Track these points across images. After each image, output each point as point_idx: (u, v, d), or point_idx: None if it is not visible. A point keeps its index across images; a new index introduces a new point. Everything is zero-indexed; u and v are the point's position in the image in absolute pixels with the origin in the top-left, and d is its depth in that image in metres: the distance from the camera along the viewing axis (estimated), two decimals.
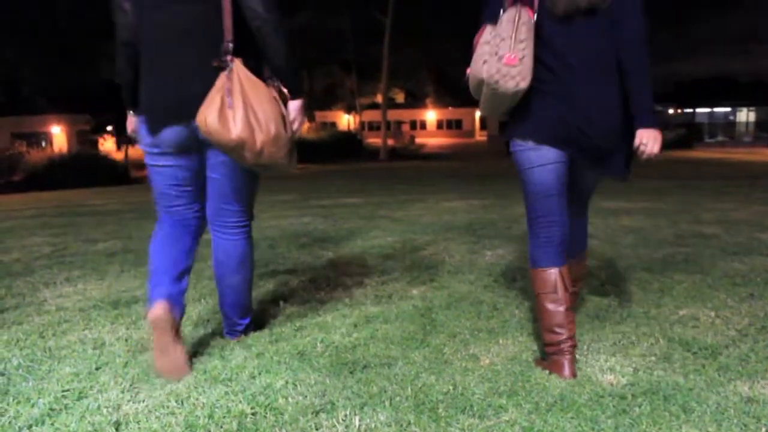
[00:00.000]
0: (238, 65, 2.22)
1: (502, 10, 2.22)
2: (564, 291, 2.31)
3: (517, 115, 2.32)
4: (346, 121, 52.56)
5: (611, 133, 2.28)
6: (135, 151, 33.86)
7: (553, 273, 2.32)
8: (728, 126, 51.41)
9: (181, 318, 2.37)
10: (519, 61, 2.14)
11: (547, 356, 2.33)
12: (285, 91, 2.36)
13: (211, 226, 2.59)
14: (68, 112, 36.41)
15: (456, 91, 51.04)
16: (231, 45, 2.23)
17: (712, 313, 2.94)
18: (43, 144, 37.18)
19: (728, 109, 51.16)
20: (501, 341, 2.60)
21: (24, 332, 2.83)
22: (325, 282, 3.61)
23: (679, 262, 4.03)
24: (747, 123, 50.97)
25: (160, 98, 2.33)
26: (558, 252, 2.35)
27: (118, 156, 32.12)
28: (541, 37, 2.21)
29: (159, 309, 2.26)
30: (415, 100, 59.66)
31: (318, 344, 2.58)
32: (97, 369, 2.38)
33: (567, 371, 2.24)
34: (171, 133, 2.32)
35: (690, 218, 5.95)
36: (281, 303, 3.20)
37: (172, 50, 2.30)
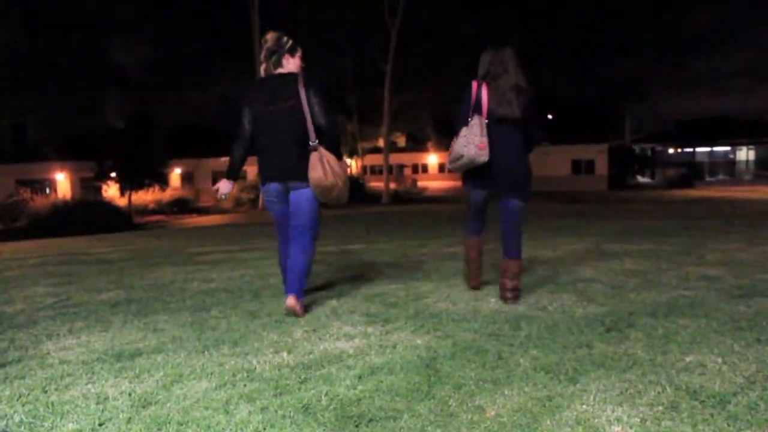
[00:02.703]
0: (321, 148, 4.02)
1: (470, 118, 4.08)
2: (478, 249, 4.61)
3: (471, 173, 4.26)
4: (348, 165, 52.92)
5: (520, 179, 4.24)
6: (137, 198, 34.07)
7: (475, 239, 4.59)
8: (728, 164, 51.65)
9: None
10: (485, 147, 4.02)
11: (467, 278, 4.70)
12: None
13: (294, 234, 4.18)
14: (72, 159, 36.71)
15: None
16: (316, 140, 4.01)
17: (719, 360, 2.92)
18: (47, 190, 37.38)
19: (728, 148, 51.46)
20: (506, 392, 2.58)
21: (27, 387, 2.81)
22: (329, 332, 3.60)
23: (683, 306, 4.02)
24: (747, 161, 51.22)
25: (270, 167, 4.14)
26: (478, 230, 4.57)
27: (122, 202, 32.30)
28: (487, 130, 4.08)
29: (291, 301, 4.00)
30: (417, 144, 60.11)
31: (323, 397, 2.56)
32: (100, 425, 2.36)
33: (473, 282, 4.64)
34: (274, 186, 4.16)
35: (693, 260, 5.94)
36: (285, 354, 3.19)
37: (276, 143, 4.08)
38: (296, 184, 4.07)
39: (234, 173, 4.29)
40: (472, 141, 4.01)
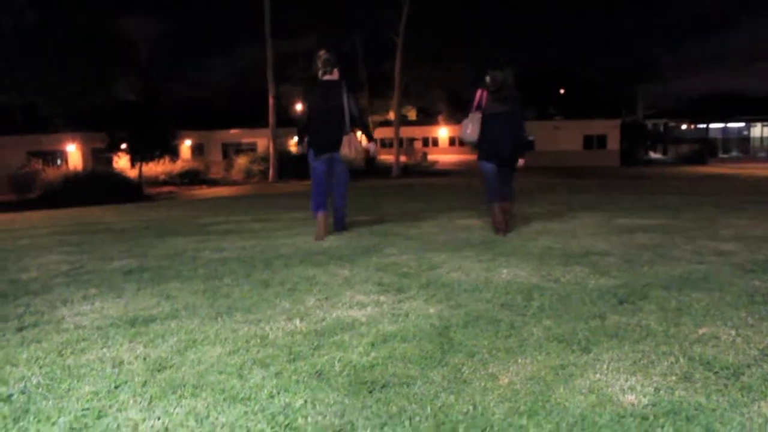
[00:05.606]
0: (351, 134, 6.10)
1: (471, 113, 6.05)
2: (500, 209, 6.05)
3: (481, 151, 6.14)
4: (359, 138, 52.66)
5: (511, 156, 6.13)
6: (148, 169, 34.17)
7: (496, 204, 6.05)
8: (742, 141, 51.14)
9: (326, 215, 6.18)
10: (475, 132, 6.04)
11: (494, 230, 6.10)
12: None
13: (335, 185, 6.32)
14: (83, 131, 36.76)
15: (468, 108, 51.01)
16: (349, 126, 6.10)
17: (733, 332, 2.91)
18: (59, 162, 37.52)
19: (742, 125, 50.90)
20: (520, 360, 2.58)
21: (43, 350, 2.84)
22: (341, 300, 3.61)
23: (697, 279, 4.00)
24: (761, 138, 50.69)
25: (321, 143, 6.13)
26: (496, 197, 6.07)
27: (132, 173, 32.39)
28: (485, 121, 6.01)
29: (321, 214, 6.09)
30: (428, 117, 59.75)
31: (336, 363, 2.57)
32: (116, 388, 2.39)
33: (500, 233, 6.01)
34: (325, 155, 6.14)
35: (707, 235, 5.90)
36: (297, 321, 3.20)
37: (325, 125, 6.09)
38: (338, 154, 6.10)
39: (301, 142, 6.34)
40: (468, 127, 6.08)
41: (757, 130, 50.63)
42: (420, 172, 38.13)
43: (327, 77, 6.13)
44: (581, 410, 2.11)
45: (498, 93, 6.01)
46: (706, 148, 47.72)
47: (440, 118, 58.40)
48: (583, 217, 7.64)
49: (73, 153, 38.63)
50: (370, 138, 6.61)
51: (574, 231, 6.33)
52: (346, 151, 6.02)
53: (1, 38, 23.71)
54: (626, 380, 2.36)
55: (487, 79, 6.06)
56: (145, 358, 2.71)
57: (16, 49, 24.84)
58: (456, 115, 55.01)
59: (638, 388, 2.29)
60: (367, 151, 6.45)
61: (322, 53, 6.15)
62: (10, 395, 2.33)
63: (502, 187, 6.14)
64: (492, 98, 6.02)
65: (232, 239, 6.34)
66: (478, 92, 6.11)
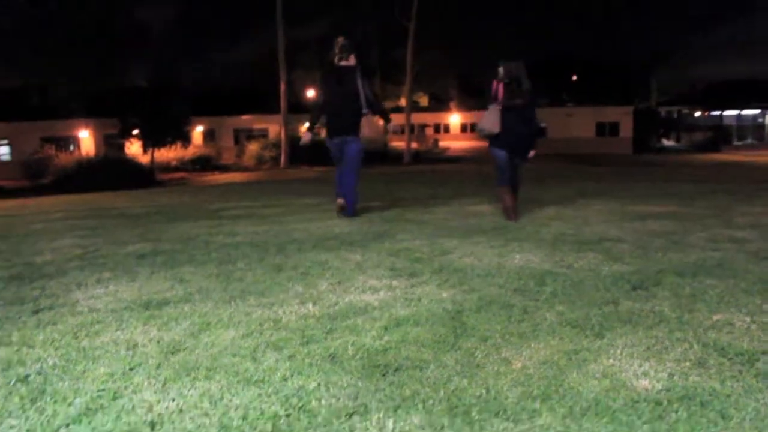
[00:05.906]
0: (369, 115, 6.47)
1: (489, 105, 6.25)
2: (510, 194, 6.19)
3: (495, 139, 6.24)
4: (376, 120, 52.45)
5: (524, 146, 6.33)
6: (160, 155, 34.28)
7: (506, 188, 6.20)
8: (757, 128, 50.56)
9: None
10: (496, 124, 6.14)
11: (505, 215, 6.18)
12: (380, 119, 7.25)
13: (345, 170, 6.50)
14: (96, 117, 36.88)
15: (480, 94, 50.74)
16: (366, 110, 6.40)
17: (747, 319, 2.90)
18: (71, 147, 37.67)
19: (757, 112, 50.30)
20: (533, 345, 2.58)
21: (59, 332, 2.87)
22: (354, 285, 3.62)
23: (711, 266, 3.97)
24: None
25: (335, 126, 6.45)
26: (506, 181, 6.22)
27: (144, 159, 32.51)
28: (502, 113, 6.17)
29: (340, 200, 6.46)
30: (439, 104, 59.45)
31: (349, 347, 2.58)
32: (130, 369, 2.41)
33: (511, 218, 6.07)
34: (337, 138, 6.44)
35: (721, 222, 5.86)
36: (310, 305, 3.21)
37: (340, 110, 6.38)
38: (350, 138, 6.40)
39: (312, 128, 6.84)
40: (489, 119, 6.21)
41: None
42: (431, 158, 38.00)
43: (343, 63, 6.38)
44: (595, 395, 2.11)
45: (511, 85, 6.17)
46: (720, 136, 47.27)
47: (452, 104, 58.05)
48: (595, 203, 7.60)
49: (86, 139, 38.76)
50: (387, 120, 7.10)
51: (586, 217, 6.30)
52: (366, 131, 6.46)
53: (1, 38, 23.90)
54: (640, 365, 2.35)
55: (501, 70, 6.24)
56: (159, 341, 2.73)
57: (16, 48, 24.97)
58: (467, 102, 54.77)
59: (652, 373, 2.28)
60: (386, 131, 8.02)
61: (340, 39, 6.42)
62: (27, 376, 2.36)
63: (513, 179, 6.34)
64: (506, 90, 6.19)
65: (245, 224, 6.36)
66: (494, 84, 6.27)
